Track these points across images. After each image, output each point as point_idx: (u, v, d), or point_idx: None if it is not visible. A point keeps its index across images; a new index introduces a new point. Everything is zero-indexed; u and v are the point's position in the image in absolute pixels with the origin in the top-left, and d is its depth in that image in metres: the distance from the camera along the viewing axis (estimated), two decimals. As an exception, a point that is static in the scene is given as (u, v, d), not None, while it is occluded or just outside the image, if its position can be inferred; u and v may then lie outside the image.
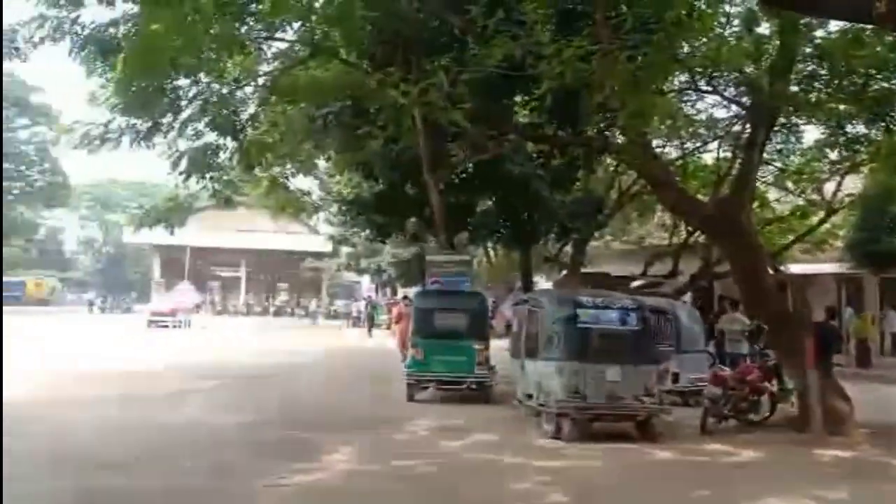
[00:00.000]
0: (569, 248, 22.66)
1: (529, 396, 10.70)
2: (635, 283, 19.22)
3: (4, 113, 60.62)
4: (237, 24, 11.25)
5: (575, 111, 11.51)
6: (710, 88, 12.45)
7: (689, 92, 13.32)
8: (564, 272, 22.56)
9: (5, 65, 62.15)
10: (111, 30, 12.38)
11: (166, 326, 33.64)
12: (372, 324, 33.59)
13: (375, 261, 37.32)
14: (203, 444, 9.05)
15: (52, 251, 76.59)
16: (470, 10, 10.71)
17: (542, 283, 27.44)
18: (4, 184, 60.68)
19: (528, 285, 20.79)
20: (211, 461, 8.08)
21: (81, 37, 12.40)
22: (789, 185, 18.64)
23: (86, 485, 6.91)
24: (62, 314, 44.60)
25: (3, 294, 49.80)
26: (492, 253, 28.97)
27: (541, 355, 10.48)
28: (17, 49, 12.59)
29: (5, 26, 12.49)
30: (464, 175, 18.39)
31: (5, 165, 60.24)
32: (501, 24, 10.15)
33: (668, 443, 9.64)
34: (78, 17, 12.21)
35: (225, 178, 16.52)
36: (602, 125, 12.78)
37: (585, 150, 14.51)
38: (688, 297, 19.97)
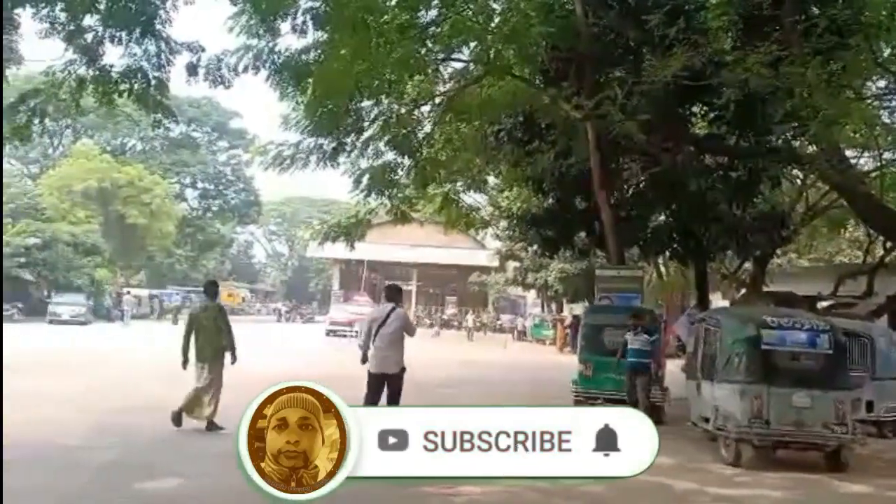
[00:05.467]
0: (748, 266, 21.47)
1: (706, 419, 10.24)
2: (824, 304, 17.87)
3: (207, 136, 67.12)
4: (417, 47, 11.77)
5: (758, 120, 10.96)
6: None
7: (890, 97, 12.28)
8: (744, 290, 21.40)
9: (210, 91, 67.61)
10: (303, 56, 13.42)
11: (344, 335, 35.38)
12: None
13: (542, 276, 37.13)
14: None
15: (244, 264, 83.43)
16: (647, 21, 10.55)
17: (718, 301, 26.12)
18: (204, 202, 67.01)
19: (703, 303, 19.87)
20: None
21: (277, 64, 13.53)
22: None
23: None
24: (253, 322, 48.15)
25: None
26: (663, 269, 27.99)
27: (719, 377, 9.99)
28: (221, 77, 13.86)
29: (210, 56, 13.76)
30: (636, 189, 17.98)
31: (206, 186, 66.55)
32: (681, 33, 9.91)
33: (861, 476, 8.86)
34: (275, 45, 13.34)
35: (401, 194, 17.36)
36: (789, 135, 12.07)
37: (770, 162, 13.74)
38: (884, 319, 18.28)
